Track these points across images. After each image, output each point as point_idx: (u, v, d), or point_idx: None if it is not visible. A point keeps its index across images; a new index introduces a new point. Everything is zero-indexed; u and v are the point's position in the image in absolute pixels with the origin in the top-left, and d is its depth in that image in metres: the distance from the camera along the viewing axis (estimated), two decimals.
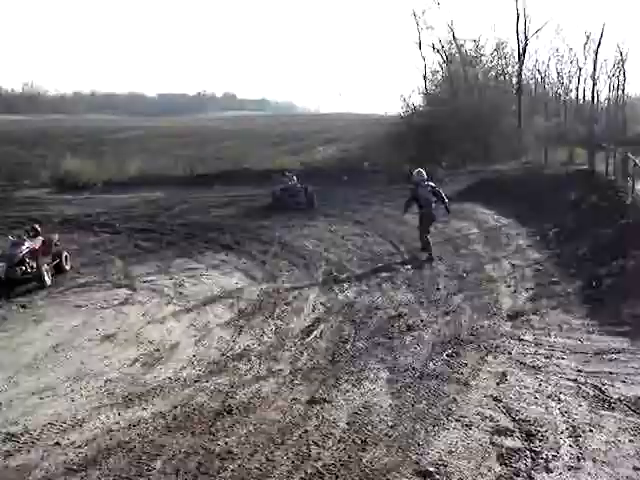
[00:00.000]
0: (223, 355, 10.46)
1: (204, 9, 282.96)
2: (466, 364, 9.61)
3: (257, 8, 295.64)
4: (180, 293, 14.27)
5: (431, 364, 9.72)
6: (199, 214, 25.06)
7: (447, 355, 10.05)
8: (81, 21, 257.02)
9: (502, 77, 43.75)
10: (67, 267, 16.80)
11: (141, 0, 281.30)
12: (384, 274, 15.43)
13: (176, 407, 8.38)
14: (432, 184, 17.17)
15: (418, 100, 44.51)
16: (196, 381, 9.34)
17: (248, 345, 10.89)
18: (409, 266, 16.06)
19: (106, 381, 9.44)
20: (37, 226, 17.30)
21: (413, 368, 9.55)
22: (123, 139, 54.62)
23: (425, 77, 43.11)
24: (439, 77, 44.71)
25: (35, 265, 15.50)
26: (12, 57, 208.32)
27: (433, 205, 16.98)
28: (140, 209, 26.99)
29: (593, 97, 41.91)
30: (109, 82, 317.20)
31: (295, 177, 27.67)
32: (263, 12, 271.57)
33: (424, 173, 17.22)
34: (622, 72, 43.28)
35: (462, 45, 42.09)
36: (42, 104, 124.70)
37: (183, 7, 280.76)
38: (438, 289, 14.18)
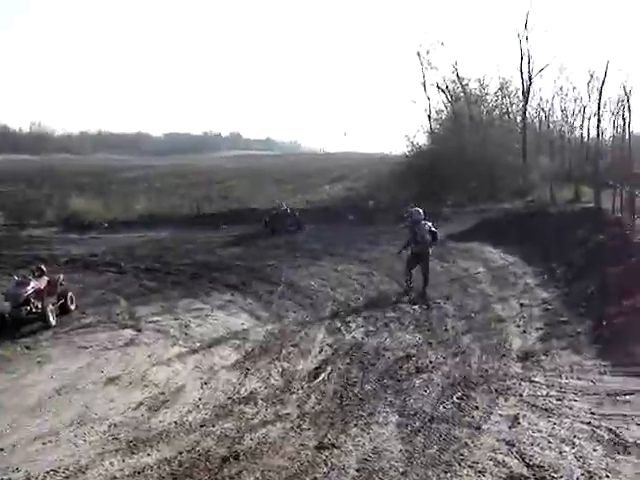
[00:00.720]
0: (229, 398, 10.31)
1: (211, 49, 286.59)
2: (477, 407, 9.45)
3: (264, 49, 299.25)
4: (186, 334, 14.14)
5: (441, 407, 9.56)
6: (205, 254, 24.95)
7: (457, 398, 9.88)
8: (89, 61, 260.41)
9: (506, 116, 43.92)
10: (72, 307, 16.69)
11: (149, 41, 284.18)
12: (392, 314, 15.28)
13: (182, 453, 8.23)
14: (430, 223, 17.43)
15: (423, 139, 44.71)
16: (202, 425, 9.19)
17: (255, 388, 10.75)
18: (416, 306, 15.91)
19: (110, 425, 9.30)
20: (42, 266, 17.25)
21: (423, 411, 9.39)
22: (129, 178, 54.85)
23: (430, 116, 43.31)
24: (444, 116, 44.91)
25: (40, 305, 15.43)
26: (20, 97, 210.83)
27: (428, 244, 17.29)
28: (146, 249, 26.87)
29: (598, 135, 41.90)
30: (116, 122, 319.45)
31: (285, 204, 30.49)
32: (270, 52, 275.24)
33: (421, 212, 17.53)
34: (627, 109, 43.41)
35: (466, 84, 42.33)
36: (49, 143, 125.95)
37: (190, 47, 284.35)
38: (446, 329, 14.04)
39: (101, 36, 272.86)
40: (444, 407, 9.55)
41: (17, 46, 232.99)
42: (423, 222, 17.30)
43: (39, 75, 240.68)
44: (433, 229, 17.44)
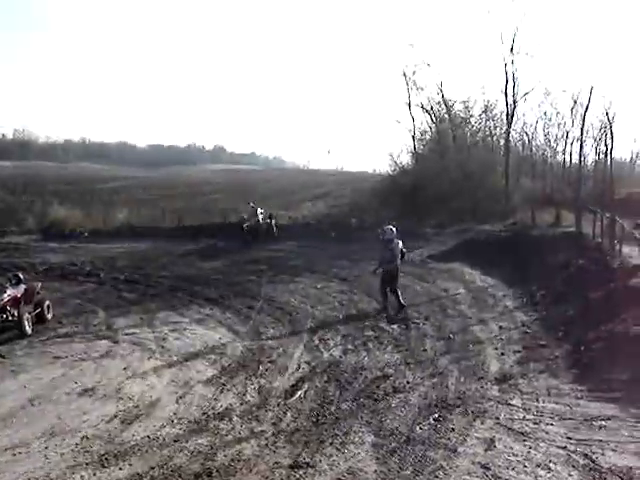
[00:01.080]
0: (204, 414, 10.21)
1: (198, 63, 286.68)
2: (453, 429, 9.40)
3: (250, 64, 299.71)
4: (162, 347, 14.04)
5: (417, 428, 9.50)
6: (185, 266, 24.88)
7: (434, 419, 9.83)
8: (74, 70, 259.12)
9: (490, 138, 44.20)
10: (49, 316, 16.56)
11: (135, 52, 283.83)
12: (370, 333, 15.24)
13: (154, 468, 8.13)
14: (401, 242, 17.75)
15: (407, 159, 44.91)
16: (175, 441, 9.08)
17: (230, 404, 10.66)
18: (395, 325, 15.88)
19: (82, 438, 9.17)
20: (20, 274, 17.10)
21: (399, 432, 9.34)
22: (112, 189, 54.71)
23: (414, 136, 43.49)
24: (428, 137, 45.14)
25: (16, 313, 15.29)
26: (4, 103, 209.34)
27: (399, 261, 17.57)
28: (125, 260, 26.74)
29: (580, 160, 42.23)
30: (100, 131, 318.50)
31: (260, 208, 32.03)
32: (256, 67, 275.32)
33: (394, 230, 17.80)
34: (609, 135, 43.79)
35: (451, 106, 42.60)
36: (33, 150, 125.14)
37: (178, 60, 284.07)
38: (425, 350, 14.01)
39: (88, 45, 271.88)
40: (420, 428, 9.50)
41: (1, 51, 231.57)
42: (396, 241, 17.58)
43: (24, 81, 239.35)
44: (403, 249, 17.82)
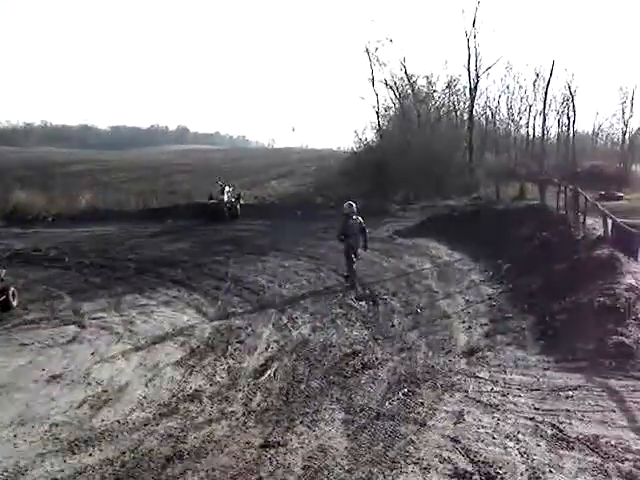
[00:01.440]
0: (174, 396, 10.16)
1: (158, 41, 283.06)
2: (422, 403, 9.45)
3: (211, 41, 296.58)
4: (130, 331, 13.91)
5: (387, 404, 9.54)
6: (150, 249, 24.70)
7: (403, 394, 9.87)
8: (33, 50, 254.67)
9: (454, 113, 44.41)
10: (14, 303, 16.31)
11: (95, 32, 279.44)
12: (338, 310, 15.30)
13: (124, 453, 8.08)
14: (360, 218, 17.95)
15: (371, 135, 44.95)
16: (146, 424, 9.03)
17: (200, 385, 10.62)
18: (363, 302, 15.96)
19: (51, 425, 9.07)
20: None
21: (369, 408, 9.37)
22: (74, 172, 53.91)
23: (378, 113, 43.51)
24: (392, 113, 45.20)
25: None
26: None
27: (359, 237, 17.82)
28: (90, 244, 26.44)
29: (543, 133, 42.63)
30: (61, 114, 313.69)
31: (228, 186, 32.73)
32: (217, 46, 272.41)
33: (354, 206, 18.01)
34: (571, 108, 44.07)
35: (414, 81, 42.69)
36: None
37: (137, 39, 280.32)
38: (393, 325, 14.12)
39: (48, 27, 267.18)
40: (390, 403, 9.54)
41: None
42: (355, 217, 17.84)
43: None
44: (363, 225, 17.98)
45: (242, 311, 15.48)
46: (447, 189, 34.87)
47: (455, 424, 8.63)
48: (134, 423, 9.10)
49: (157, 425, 9.00)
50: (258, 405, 9.76)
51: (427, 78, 42.85)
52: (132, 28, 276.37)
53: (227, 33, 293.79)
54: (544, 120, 41.57)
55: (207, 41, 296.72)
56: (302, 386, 10.49)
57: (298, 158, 64.82)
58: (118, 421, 9.17)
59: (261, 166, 57.37)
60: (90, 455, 8.08)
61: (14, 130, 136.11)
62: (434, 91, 43.61)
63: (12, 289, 16.50)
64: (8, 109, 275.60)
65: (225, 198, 31.73)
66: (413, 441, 8.10)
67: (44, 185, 42.73)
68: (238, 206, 31.94)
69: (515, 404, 9.22)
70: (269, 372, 11.20)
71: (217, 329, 13.91)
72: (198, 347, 12.68)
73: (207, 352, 12.37)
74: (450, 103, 44.12)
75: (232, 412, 9.46)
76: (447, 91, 43.42)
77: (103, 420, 9.24)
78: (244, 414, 9.37)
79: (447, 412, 9.08)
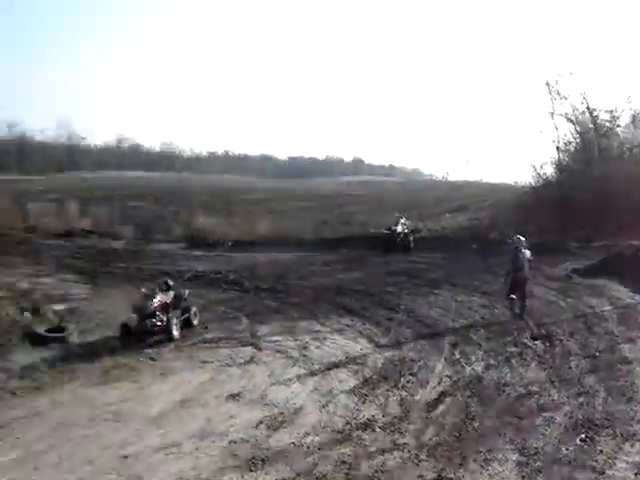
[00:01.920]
0: (347, 424, 10.31)
1: (335, 79, 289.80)
2: (601, 451, 9.07)
3: (384, 77, 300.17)
4: (305, 356, 14.27)
5: (563, 449, 9.24)
6: (325, 277, 25.09)
7: (580, 440, 9.53)
8: (217, 86, 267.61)
9: (638, 149, 42.41)
10: (195, 322, 17.15)
11: (272, 69, 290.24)
12: (513, 349, 14.91)
13: (299, 475, 8.29)
14: (528, 252, 17.82)
15: (550, 170, 43.61)
16: (319, 449, 9.22)
17: (372, 415, 10.71)
18: (538, 341, 15.47)
19: (230, 442, 9.47)
20: (169, 280, 17.76)
21: (544, 452, 9.12)
22: (253, 200, 55.90)
23: (558, 148, 42.22)
24: (572, 147, 43.73)
25: (165, 318, 15.92)
26: (154, 118, 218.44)
27: (527, 270, 17.65)
28: (268, 269, 27.25)
29: None
30: (242, 144, 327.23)
31: (404, 219, 32.30)
32: (391, 80, 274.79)
33: (523, 240, 17.87)
34: None
35: (596, 115, 41.12)
36: (178, 163, 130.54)
37: (318, 74, 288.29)
38: (570, 368, 13.58)
39: (229, 65, 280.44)
40: (566, 449, 9.24)
41: (150, 67, 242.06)
42: (524, 250, 17.62)
43: (171, 99, 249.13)
44: (530, 258, 17.77)
45: (414, 343, 15.43)
46: (630, 228, 33.25)
47: (636, 475, 8.23)
48: (309, 447, 9.31)
49: (331, 450, 9.16)
50: (430, 439, 9.72)
51: (611, 112, 41.18)
52: (308, 68, 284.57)
53: (401, 70, 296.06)
54: None
55: (382, 77, 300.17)
56: (475, 424, 10.34)
57: (472, 191, 64.05)
58: (293, 443, 9.42)
59: (435, 199, 57.12)
60: (266, 474, 8.36)
61: (197, 159, 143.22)
62: (617, 125, 41.83)
63: (194, 309, 17.35)
64: (193, 139, 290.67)
65: (399, 229, 31.71)
66: None
67: (224, 211, 44.58)
68: (411, 238, 31.81)
69: None
70: (442, 407, 11.14)
71: (389, 359, 13.98)
72: (371, 376, 12.80)
73: (380, 382, 12.46)
74: (634, 138, 42.14)
75: (404, 444, 9.47)
76: (631, 126, 41.52)
77: (279, 441, 9.53)
78: (416, 447, 9.36)
79: (627, 462, 8.69)
